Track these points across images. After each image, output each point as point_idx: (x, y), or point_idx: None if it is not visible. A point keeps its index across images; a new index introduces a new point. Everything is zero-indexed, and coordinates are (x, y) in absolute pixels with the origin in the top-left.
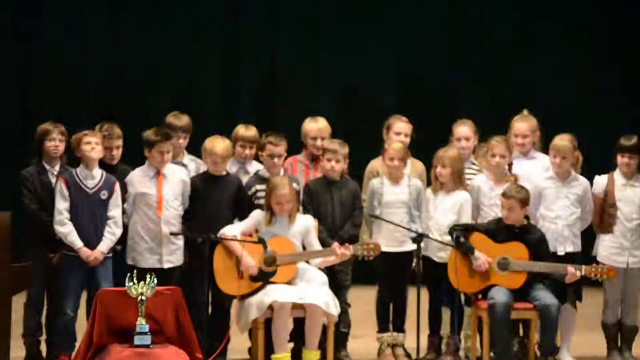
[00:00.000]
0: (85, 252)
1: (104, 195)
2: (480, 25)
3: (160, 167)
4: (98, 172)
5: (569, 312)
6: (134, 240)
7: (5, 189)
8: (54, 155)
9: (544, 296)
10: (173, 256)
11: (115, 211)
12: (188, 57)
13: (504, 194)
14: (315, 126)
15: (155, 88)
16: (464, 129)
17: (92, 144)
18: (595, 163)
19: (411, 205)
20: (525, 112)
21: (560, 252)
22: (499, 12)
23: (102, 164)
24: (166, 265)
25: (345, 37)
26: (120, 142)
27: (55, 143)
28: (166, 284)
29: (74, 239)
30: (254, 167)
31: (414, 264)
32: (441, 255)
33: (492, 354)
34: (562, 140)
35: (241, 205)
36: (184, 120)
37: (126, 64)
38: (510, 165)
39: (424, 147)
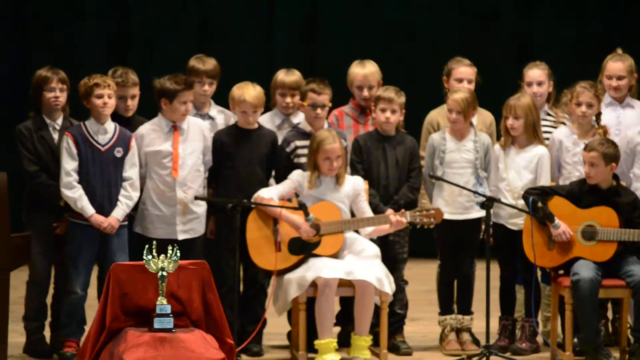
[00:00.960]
0: (97, 219)
1: (118, 152)
2: None
3: (181, 120)
4: (111, 126)
5: None
6: (145, 205)
7: None
8: (55, 107)
9: (639, 271)
10: (190, 226)
11: (131, 171)
12: None
13: (585, 147)
14: (362, 72)
15: (175, 28)
16: (535, 72)
17: (105, 98)
18: None
19: (478, 164)
20: (619, 50)
21: None
22: None
23: (115, 115)
24: (181, 237)
25: None
26: (136, 91)
27: (56, 93)
28: (183, 259)
29: (84, 204)
30: (300, 119)
31: (482, 234)
32: (515, 222)
33: (575, 340)
34: None
35: (277, 165)
36: (209, 63)
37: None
38: (598, 116)
39: (493, 94)
